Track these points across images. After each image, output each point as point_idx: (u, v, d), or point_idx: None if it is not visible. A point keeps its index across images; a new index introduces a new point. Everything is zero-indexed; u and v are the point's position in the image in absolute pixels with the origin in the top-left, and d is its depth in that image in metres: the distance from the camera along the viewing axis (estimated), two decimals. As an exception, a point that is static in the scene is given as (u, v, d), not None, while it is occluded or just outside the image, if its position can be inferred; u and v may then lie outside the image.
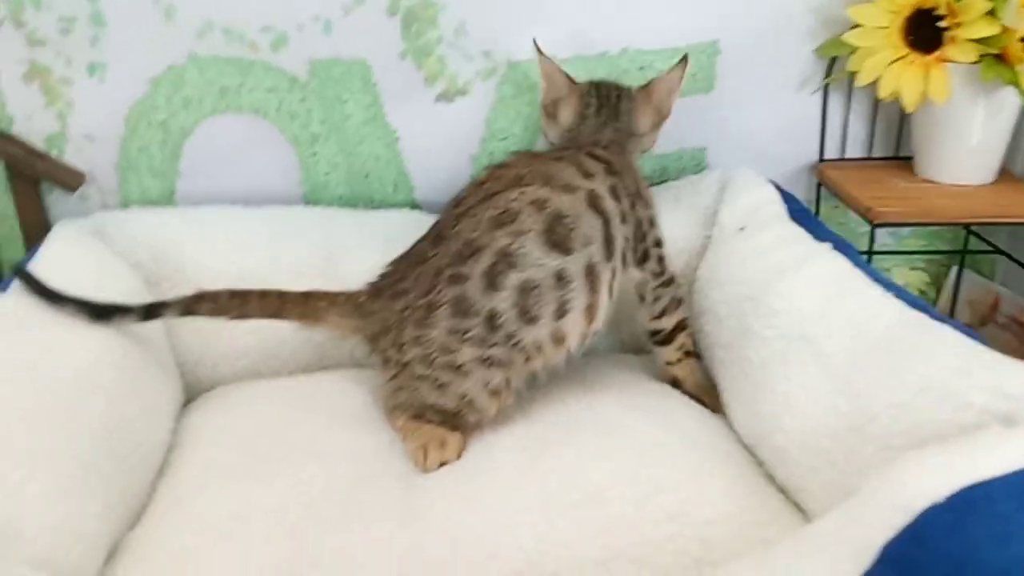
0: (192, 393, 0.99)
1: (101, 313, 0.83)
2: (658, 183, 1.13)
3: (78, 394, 0.75)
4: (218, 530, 0.73)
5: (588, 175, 0.87)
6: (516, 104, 1.10)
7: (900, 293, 0.78)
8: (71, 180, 1.05)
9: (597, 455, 0.78)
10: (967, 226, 1.18)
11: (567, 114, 0.99)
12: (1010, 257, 1.15)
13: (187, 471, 0.82)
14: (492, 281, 0.81)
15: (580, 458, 0.78)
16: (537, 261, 0.81)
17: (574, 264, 0.83)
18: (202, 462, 0.83)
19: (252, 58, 1.04)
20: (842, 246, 0.88)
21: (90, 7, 0.99)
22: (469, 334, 0.81)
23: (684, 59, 0.97)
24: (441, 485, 0.77)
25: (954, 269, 1.23)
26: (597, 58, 1.08)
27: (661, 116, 0.99)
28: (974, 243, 1.19)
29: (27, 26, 1.00)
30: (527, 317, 0.82)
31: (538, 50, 0.98)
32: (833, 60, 1.11)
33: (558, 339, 0.84)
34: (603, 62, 1.08)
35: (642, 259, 0.91)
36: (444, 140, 1.10)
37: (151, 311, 0.85)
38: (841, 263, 0.84)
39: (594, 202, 0.85)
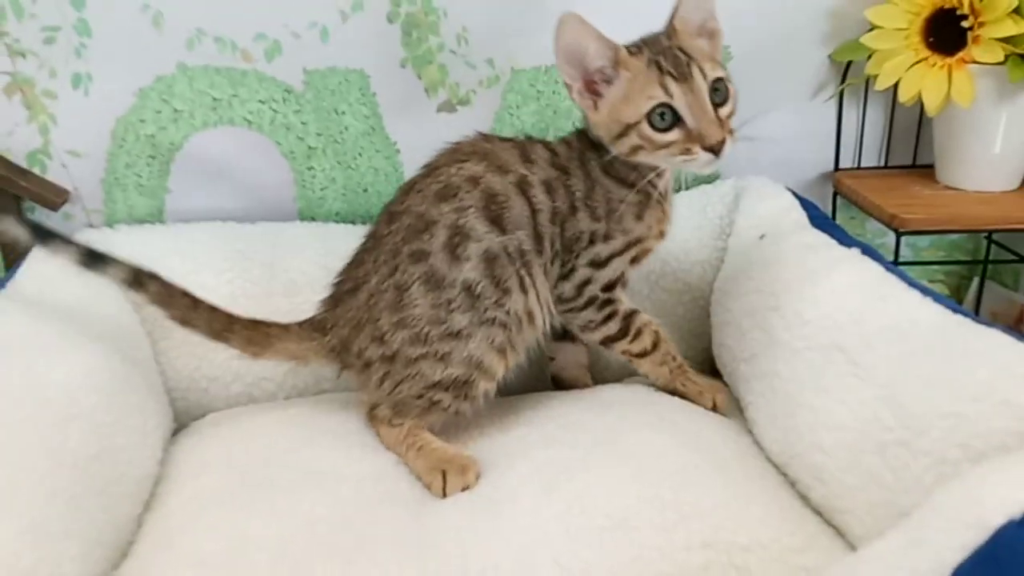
0: (182, 421, 0.93)
1: (39, 234, 0.79)
2: (670, 193, 1.09)
3: (57, 421, 0.68)
4: (213, 567, 0.66)
5: (528, 161, 0.84)
6: (521, 113, 1.06)
7: (939, 298, 0.73)
8: (54, 197, 0.99)
9: (621, 479, 0.72)
10: (988, 235, 1.14)
11: None
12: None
13: (176, 503, 0.75)
14: (454, 253, 0.79)
15: (603, 482, 0.72)
16: (485, 235, 0.80)
17: (511, 244, 0.81)
18: (192, 493, 0.76)
19: (244, 68, 1.00)
20: (870, 252, 0.84)
21: (75, 15, 0.95)
22: (453, 304, 0.79)
23: None
24: (454, 513, 0.71)
25: (975, 280, 1.19)
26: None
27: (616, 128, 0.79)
28: (995, 253, 1.15)
29: (8, 36, 0.95)
30: (501, 287, 0.80)
31: None
32: (848, 65, 1.07)
33: (529, 315, 0.82)
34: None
35: (565, 276, 0.84)
36: (447, 152, 1.05)
37: (93, 257, 0.80)
38: (873, 268, 0.79)
39: (523, 188, 0.82)
